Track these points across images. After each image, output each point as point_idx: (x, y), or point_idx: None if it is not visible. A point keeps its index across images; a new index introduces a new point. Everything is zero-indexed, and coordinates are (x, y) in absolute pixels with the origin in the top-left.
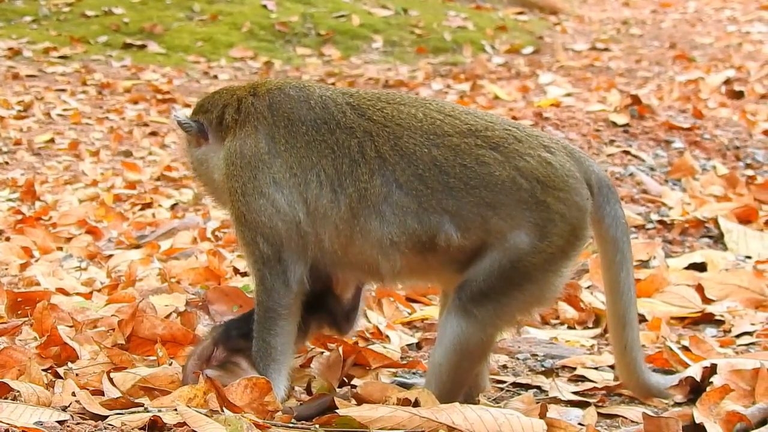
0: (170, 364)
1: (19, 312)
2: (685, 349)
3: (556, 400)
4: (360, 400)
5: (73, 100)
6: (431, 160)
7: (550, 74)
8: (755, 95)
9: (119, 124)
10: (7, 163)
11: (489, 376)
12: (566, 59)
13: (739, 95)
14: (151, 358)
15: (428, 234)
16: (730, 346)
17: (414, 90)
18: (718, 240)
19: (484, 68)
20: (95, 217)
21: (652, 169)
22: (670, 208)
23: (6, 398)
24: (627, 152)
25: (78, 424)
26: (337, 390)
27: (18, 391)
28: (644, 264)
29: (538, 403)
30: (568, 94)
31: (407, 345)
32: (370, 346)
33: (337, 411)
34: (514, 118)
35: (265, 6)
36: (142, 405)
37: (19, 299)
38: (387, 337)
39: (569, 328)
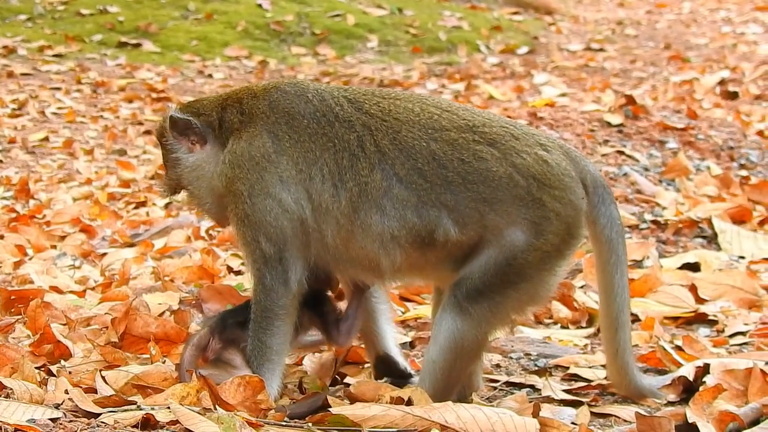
0: (163, 362)
1: (12, 310)
2: (678, 348)
3: (549, 399)
4: (353, 399)
5: (68, 98)
6: (430, 154)
7: (545, 74)
8: (750, 96)
9: (114, 123)
10: (1, 161)
11: (482, 375)
12: (561, 59)
13: (733, 96)
14: (145, 356)
15: (427, 228)
16: (723, 346)
17: (409, 89)
18: (712, 240)
19: (479, 68)
20: (89, 216)
21: (646, 169)
22: (664, 209)
23: None
24: (621, 152)
25: (71, 421)
26: (330, 388)
27: (11, 389)
28: (638, 264)
29: (531, 402)
30: (563, 94)
31: (401, 344)
32: (363, 345)
33: (330, 409)
34: (508, 117)
35: (260, 5)
36: (134, 403)
37: (12, 297)
38: None
39: (562, 327)
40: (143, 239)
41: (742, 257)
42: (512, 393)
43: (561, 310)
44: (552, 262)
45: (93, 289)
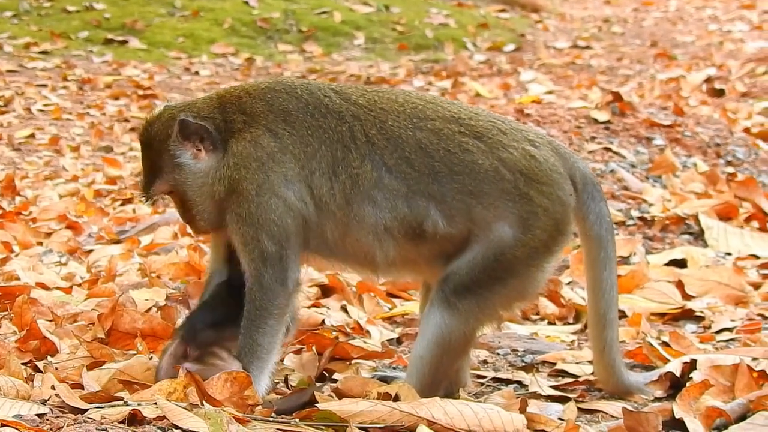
0: (150, 358)
1: None
2: (665, 344)
3: (536, 395)
4: (340, 395)
5: (54, 95)
6: (416, 143)
7: (532, 72)
8: (736, 93)
9: (100, 120)
10: None
11: (470, 371)
12: (548, 57)
13: (720, 93)
14: (131, 352)
15: (417, 219)
16: (710, 342)
17: (395, 87)
18: (699, 237)
19: (465, 65)
20: (75, 213)
21: (633, 165)
22: (651, 205)
23: None
24: (608, 149)
25: (57, 417)
26: (317, 384)
27: None
28: (625, 260)
29: (518, 398)
30: (550, 92)
31: (387, 340)
32: (350, 341)
33: (317, 405)
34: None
35: (246, 2)
36: (121, 399)
37: None
38: (367, 332)
39: (549, 323)
40: (130, 236)
41: (729, 254)
42: (499, 389)
43: (548, 307)
44: (540, 258)
45: (79, 285)
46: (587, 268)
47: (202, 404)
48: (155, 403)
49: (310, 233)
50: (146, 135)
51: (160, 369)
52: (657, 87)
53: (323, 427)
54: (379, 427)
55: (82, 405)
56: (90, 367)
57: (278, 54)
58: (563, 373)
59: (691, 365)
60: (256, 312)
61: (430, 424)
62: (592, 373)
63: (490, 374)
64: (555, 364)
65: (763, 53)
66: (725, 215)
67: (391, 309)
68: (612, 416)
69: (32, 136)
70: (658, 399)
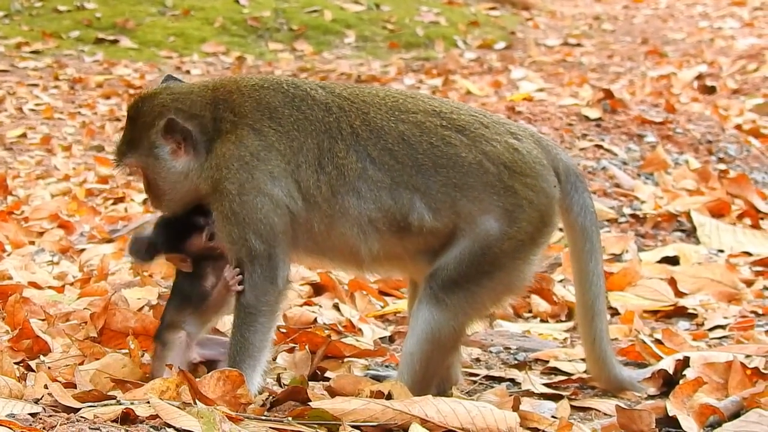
0: (142, 356)
1: None
2: (658, 342)
3: (529, 393)
4: (333, 393)
5: (45, 95)
6: (399, 134)
7: (523, 69)
8: (727, 90)
9: (91, 119)
10: None
11: (462, 369)
12: (538, 54)
13: (711, 90)
14: (124, 351)
15: (402, 212)
16: (703, 339)
17: (386, 85)
18: (691, 234)
19: (456, 63)
20: (67, 212)
21: (624, 163)
22: (643, 202)
23: None
24: (599, 146)
25: (50, 416)
26: (310, 383)
27: None
28: (617, 258)
29: (511, 396)
30: (541, 89)
31: (380, 338)
32: (342, 339)
33: (310, 404)
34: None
35: (237, 1)
36: (114, 398)
37: None
38: (360, 330)
39: (542, 321)
40: (121, 235)
41: (721, 251)
42: (492, 387)
43: (540, 304)
44: (526, 250)
45: (72, 284)
46: (573, 260)
47: (195, 403)
48: (148, 402)
49: (298, 229)
50: (135, 110)
51: (153, 374)
52: (648, 84)
53: (316, 426)
54: (372, 426)
55: (75, 404)
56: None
57: (269, 53)
58: (556, 371)
59: (684, 362)
60: (245, 311)
61: (423, 422)
62: (585, 371)
63: (483, 372)
64: (548, 361)
65: (753, 50)
66: (717, 212)
67: (383, 307)
68: (605, 414)
69: (24, 135)
70: (651, 396)
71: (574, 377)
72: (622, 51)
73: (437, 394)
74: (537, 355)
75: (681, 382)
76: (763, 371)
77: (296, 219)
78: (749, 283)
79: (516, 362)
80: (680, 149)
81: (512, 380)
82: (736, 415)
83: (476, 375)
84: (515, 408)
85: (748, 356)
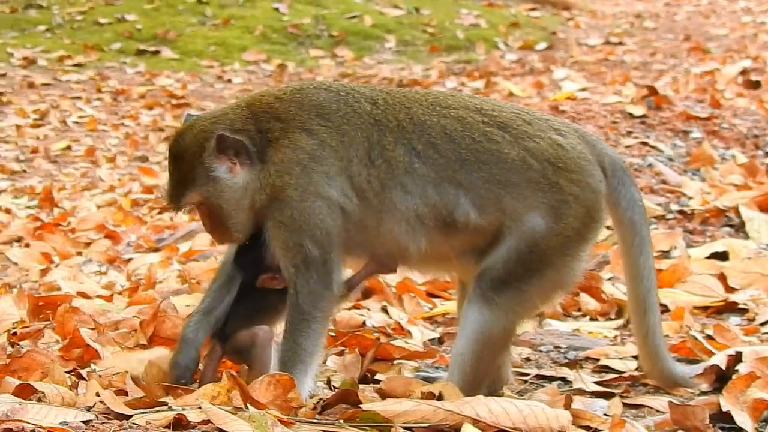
0: None
1: (41, 316)
2: (709, 338)
3: (580, 392)
4: (384, 395)
5: (89, 107)
6: (441, 129)
7: (565, 69)
8: None
9: (135, 130)
10: (24, 171)
11: (512, 368)
12: (580, 54)
13: (755, 85)
14: None
15: (447, 208)
16: (755, 334)
17: (428, 88)
18: (740, 229)
19: (497, 65)
20: (113, 222)
21: (670, 159)
22: (690, 198)
23: (31, 399)
24: (645, 143)
25: (103, 423)
26: (360, 386)
27: (42, 393)
28: (666, 254)
29: (562, 394)
30: (583, 89)
31: (429, 340)
32: (391, 342)
33: (360, 406)
34: None
35: (277, 9)
36: (166, 404)
37: (40, 303)
38: (409, 332)
39: (591, 319)
40: (168, 243)
41: None
42: (543, 386)
43: (589, 303)
44: (574, 246)
45: (120, 293)
46: (623, 255)
47: (247, 407)
48: (200, 408)
49: (351, 228)
50: (177, 146)
51: (205, 376)
52: (692, 81)
53: (367, 428)
54: (424, 427)
55: (127, 411)
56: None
57: (310, 59)
58: (607, 369)
59: (737, 358)
60: (299, 317)
61: (475, 422)
62: (637, 368)
63: (534, 371)
64: (598, 360)
65: None
66: (765, 206)
67: (431, 309)
68: (658, 411)
69: (68, 148)
70: (703, 392)
71: (625, 375)
72: (664, 48)
73: (488, 395)
74: (587, 353)
75: (734, 377)
76: None
77: (349, 218)
78: None
79: (566, 361)
80: (726, 144)
81: (563, 379)
82: None
83: (527, 374)
84: (567, 406)
85: None
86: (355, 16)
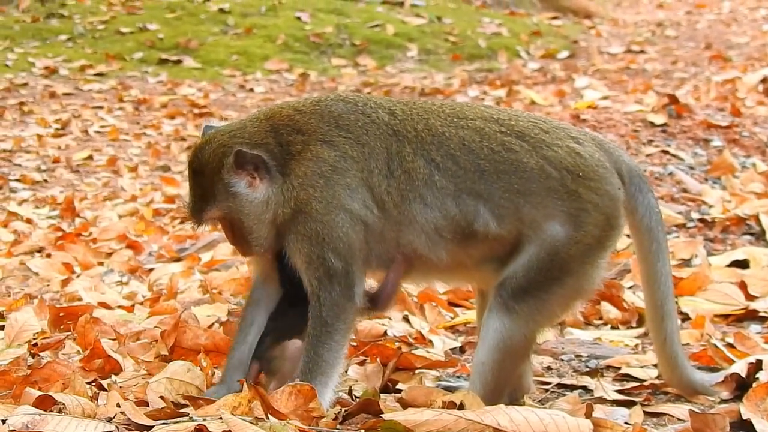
0: (212, 374)
1: (61, 327)
2: (730, 346)
3: (601, 400)
4: (405, 405)
5: (110, 116)
6: (460, 140)
7: (586, 78)
8: None
9: (157, 140)
10: (46, 180)
11: (533, 377)
12: (602, 62)
13: None
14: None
15: (467, 219)
16: None
17: (450, 97)
18: (760, 237)
19: (519, 74)
20: (135, 232)
21: (691, 167)
22: (711, 207)
23: (51, 411)
24: (666, 152)
25: None
26: (381, 395)
27: (63, 404)
28: (686, 263)
29: (583, 403)
30: (605, 97)
31: (450, 349)
32: (413, 351)
33: (382, 416)
34: None
35: (299, 18)
36: (186, 415)
37: (61, 314)
38: (430, 341)
39: (612, 328)
40: (190, 253)
41: None
42: (564, 395)
43: (610, 311)
44: (594, 254)
45: (141, 303)
46: (640, 262)
47: (268, 417)
48: (220, 418)
49: (372, 240)
50: (197, 162)
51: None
52: (713, 89)
53: None
54: None
55: (148, 422)
56: None
57: (332, 68)
58: (628, 378)
59: (757, 366)
60: (321, 329)
61: (496, 431)
62: (657, 376)
63: (555, 380)
64: (619, 368)
65: None
66: None
67: (452, 318)
68: (678, 419)
69: (90, 157)
70: (724, 400)
71: (646, 383)
72: (685, 56)
73: (509, 404)
74: (608, 362)
75: (754, 385)
76: None
77: (370, 229)
78: None
79: (587, 369)
80: (747, 152)
81: (584, 388)
82: None
83: (548, 383)
84: (588, 415)
85: None
86: (377, 25)
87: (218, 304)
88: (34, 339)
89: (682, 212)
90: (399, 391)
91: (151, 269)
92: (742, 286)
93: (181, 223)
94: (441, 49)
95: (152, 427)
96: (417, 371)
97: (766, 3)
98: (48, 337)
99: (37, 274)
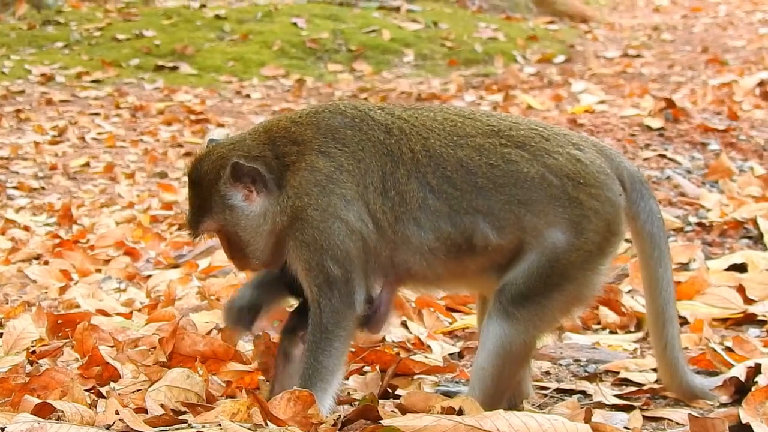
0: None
1: (59, 334)
2: (729, 350)
3: (600, 405)
4: (404, 410)
5: (107, 123)
6: (457, 161)
7: (583, 82)
8: None
9: (154, 146)
10: (43, 188)
11: (532, 382)
12: (598, 67)
13: None
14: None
15: (464, 236)
16: None
17: (447, 102)
18: (758, 240)
19: (516, 78)
20: (133, 239)
21: (688, 171)
22: (709, 210)
23: (50, 418)
24: (663, 156)
25: None
26: (380, 401)
27: (62, 411)
28: (684, 267)
29: (582, 408)
30: (602, 101)
31: (449, 354)
32: (411, 357)
33: (381, 422)
34: None
35: (295, 24)
36: (185, 421)
37: (59, 321)
38: (428, 347)
39: (611, 332)
40: (187, 260)
41: None
42: (563, 399)
43: (609, 315)
44: (595, 261)
45: (139, 310)
46: (642, 267)
47: (266, 424)
48: (219, 425)
49: (368, 253)
50: (195, 173)
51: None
52: (709, 92)
53: None
54: None
55: (147, 429)
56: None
57: (328, 74)
58: (627, 382)
59: (756, 369)
60: (321, 335)
61: None
62: (657, 380)
63: (553, 385)
64: (618, 372)
65: None
66: None
67: (451, 323)
68: (678, 423)
69: (87, 164)
70: (723, 405)
71: (645, 388)
72: (682, 60)
73: (508, 409)
74: (607, 366)
75: (753, 389)
76: None
77: (367, 244)
78: None
79: (586, 374)
80: (744, 156)
81: (583, 392)
82: None
83: (547, 388)
84: (587, 420)
85: None
86: (373, 31)
87: (216, 311)
88: (33, 346)
89: (680, 216)
90: (398, 396)
91: (149, 276)
92: (741, 289)
93: (179, 229)
94: (437, 54)
95: None
96: (416, 377)
97: (762, 6)
98: (46, 345)
99: (34, 281)
